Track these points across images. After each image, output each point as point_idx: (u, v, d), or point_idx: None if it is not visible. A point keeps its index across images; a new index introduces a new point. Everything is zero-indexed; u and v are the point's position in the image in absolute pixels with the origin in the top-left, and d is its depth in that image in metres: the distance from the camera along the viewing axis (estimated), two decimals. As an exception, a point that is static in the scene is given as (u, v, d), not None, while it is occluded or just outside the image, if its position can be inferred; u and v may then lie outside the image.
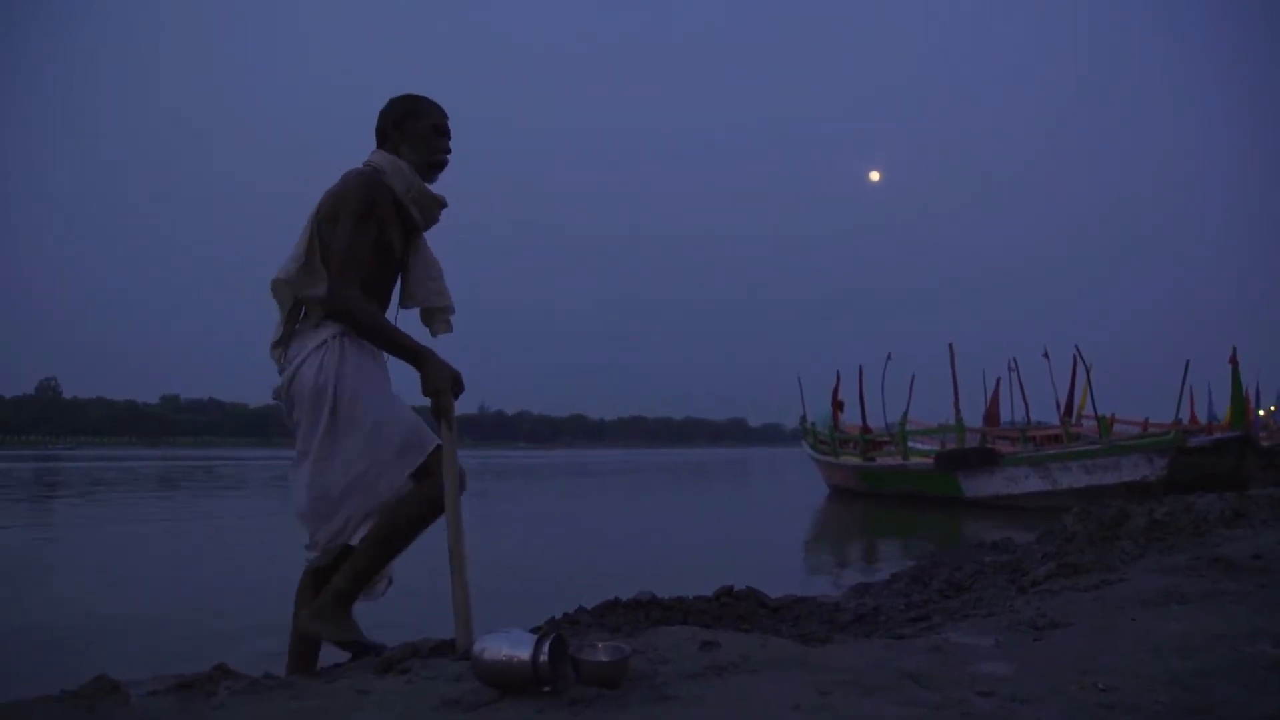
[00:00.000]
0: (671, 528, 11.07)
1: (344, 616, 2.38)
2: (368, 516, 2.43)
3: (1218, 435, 13.48)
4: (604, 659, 1.84)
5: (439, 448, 2.39)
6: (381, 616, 3.04)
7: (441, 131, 2.59)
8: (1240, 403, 13.83)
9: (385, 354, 2.51)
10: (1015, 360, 17.48)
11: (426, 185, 2.57)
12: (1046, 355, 16.38)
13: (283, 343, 2.48)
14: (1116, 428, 14.21)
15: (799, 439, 21.61)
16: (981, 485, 14.00)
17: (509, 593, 4.78)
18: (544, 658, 1.70)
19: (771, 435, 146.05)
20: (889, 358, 17.38)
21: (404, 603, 2.75)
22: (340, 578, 2.36)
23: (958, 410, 15.61)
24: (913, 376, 17.42)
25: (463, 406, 2.44)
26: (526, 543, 8.39)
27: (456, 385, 2.39)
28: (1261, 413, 23.02)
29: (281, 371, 2.46)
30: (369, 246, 2.41)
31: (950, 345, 15.96)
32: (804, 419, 20.44)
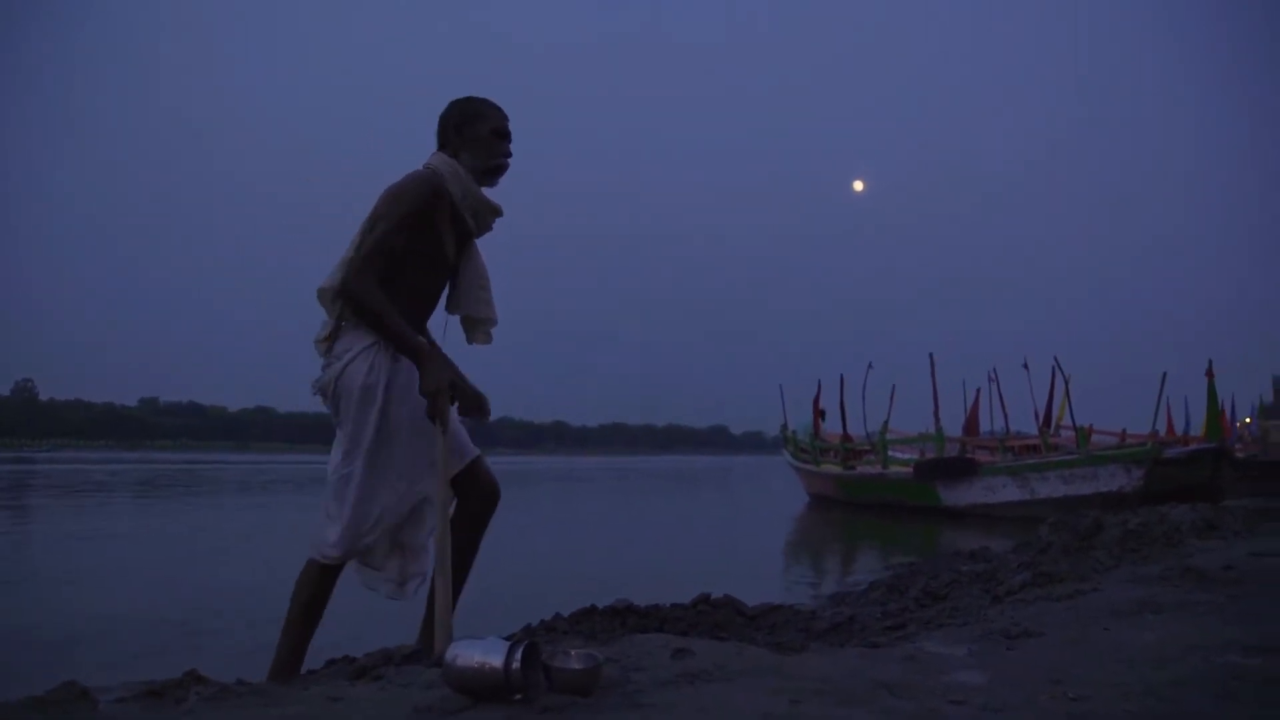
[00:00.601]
0: (653, 535, 11.08)
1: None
2: (401, 522, 2.46)
3: (1193, 447, 13.63)
4: (576, 666, 1.83)
5: (478, 459, 2.49)
6: (362, 620, 3.03)
7: (502, 135, 2.56)
8: (1216, 415, 14.00)
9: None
10: (995, 371, 17.65)
11: (484, 191, 2.54)
12: (1026, 366, 16.55)
13: (330, 338, 2.46)
14: (1094, 438, 14.35)
15: (780, 447, 21.67)
16: (960, 494, 14.09)
17: (489, 599, 4.74)
18: (516, 665, 1.69)
19: (753, 443, 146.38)
20: (870, 367, 17.51)
21: (382, 607, 2.73)
22: (439, 597, 2.31)
23: (937, 420, 15.71)
24: (893, 386, 17.55)
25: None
26: (509, 549, 8.35)
27: (454, 388, 2.39)
28: (1237, 425, 23.31)
29: (326, 366, 2.44)
30: (400, 249, 2.38)
31: (931, 355, 16.10)
32: (785, 427, 20.50)
